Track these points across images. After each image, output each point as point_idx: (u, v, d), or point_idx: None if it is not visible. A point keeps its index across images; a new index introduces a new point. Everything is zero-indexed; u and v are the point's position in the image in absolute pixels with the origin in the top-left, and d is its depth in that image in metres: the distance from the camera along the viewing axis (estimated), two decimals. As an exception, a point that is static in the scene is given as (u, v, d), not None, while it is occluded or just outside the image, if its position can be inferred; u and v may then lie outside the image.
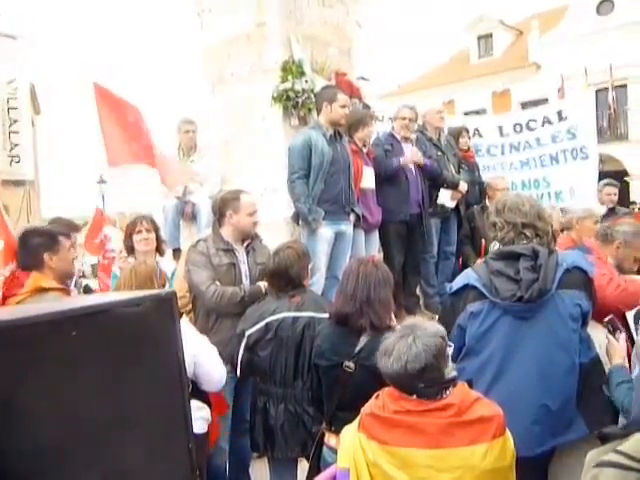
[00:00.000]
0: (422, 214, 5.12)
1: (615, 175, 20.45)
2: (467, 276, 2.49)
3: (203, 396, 2.81)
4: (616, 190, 6.37)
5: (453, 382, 2.00)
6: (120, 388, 1.53)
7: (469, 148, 6.19)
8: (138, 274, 2.87)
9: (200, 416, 2.74)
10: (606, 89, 21.39)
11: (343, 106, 4.45)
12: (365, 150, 4.86)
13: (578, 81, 18.79)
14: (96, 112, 4.25)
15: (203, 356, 2.75)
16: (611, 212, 6.24)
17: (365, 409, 2.04)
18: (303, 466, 3.08)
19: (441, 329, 2.05)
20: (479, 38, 27.16)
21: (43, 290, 2.78)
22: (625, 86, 21.87)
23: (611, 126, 22.14)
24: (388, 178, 5.00)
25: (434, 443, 1.86)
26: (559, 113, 6.87)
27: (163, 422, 1.65)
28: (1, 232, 3.23)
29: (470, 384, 2.19)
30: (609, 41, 20.89)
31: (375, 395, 2.08)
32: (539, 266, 2.27)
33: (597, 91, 21.45)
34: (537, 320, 2.31)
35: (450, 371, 1.98)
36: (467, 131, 6.18)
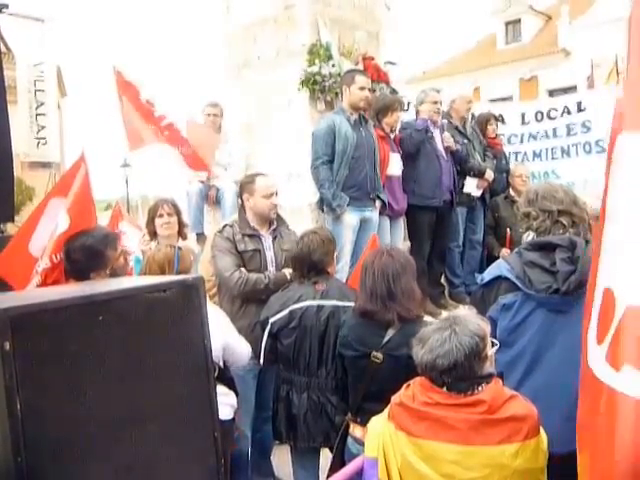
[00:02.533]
0: (453, 201, 5.03)
1: (644, 166, 20.08)
2: (499, 267, 2.41)
3: (230, 382, 2.80)
4: None
5: (487, 379, 1.93)
6: (146, 374, 1.52)
7: (497, 135, 6.05)
8: (155, 261, 2.85)
9: (227, 402, 2.73)
10: (638, 76, 20.84)
11: (362, 88, 4.35)
12: (392, 136, 4.76)
13: (609, 69, 18.34)
14: (120, 96, 4.23)
15: (231, 339, 2.77)
16: None
17: (395, 399, 2.00)
18: (326, 455, 3.06)
19: (482, 328, 1.96)
20: (507, 23, 26.64)
21: None
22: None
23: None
24: (417, 151, 4.84)
25: (463, 439, 1.80)
26: (579, 104, 6.77)
27: (189, 409, 1.64)
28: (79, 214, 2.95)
29: (501, 377, 2.13)
30: (642, 27, 20.28)
31: (406, 385, 2.03)
32: (576, 258, 2.18)
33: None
34: (572, 314, 2.22)
35: (486, 368, 1.92)
36: (496, 118, 6.04)
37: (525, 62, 24.00)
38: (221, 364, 2.78)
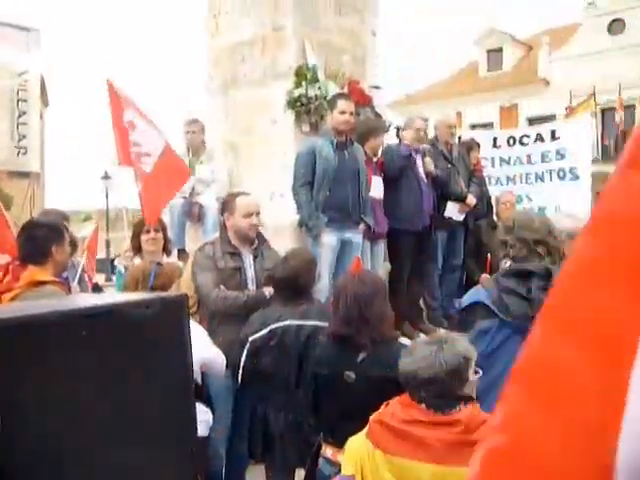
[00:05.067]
0: (432, 226, 5.11)
1: (620, 195, 20.51)
2: (477, 293, 2.47)
3: (206, 399, 2.80)
4: None
5: (464, 399, 1.97)
6: (126, 390, 1.51)
7: (478, 162, 6.18)
8: (131, 276, 2.86)
9: (203, 419, 2.72)
10: (613, 109, 21.45)
11: (342, 112, 4.45)
12: (375, 160, 4.84)
13: (585, 99, 18.82)
14: (108, 109, 4.22)
15: (210, 354, 2.79)
16: None
17: (374, 416, 2.02)
18: (301, 475, 3.05)
19: (469, 350, 2.01)
20: (489, 52, 27.23)
21: (39, 283, 2.75)
22: (633, 106, 21.90)
23: (617, 146, 22.18)
24: (399, 176, 4.93)
25: (438, 458, 1.83)
26: (552, 132, 7.01)
27: (168, 426, 1.64)
28: None
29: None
30: (619, 60, 20.94)
31: (385, 403, 2.05)
32: (552, 286, 2.24)
33: (604, 110, 21.57)
34: (547, 341, 2.28)
35: (466, 390, 1.96)
36: (478, 145, 6.18)
37: (506, 90, 24.53)
38: (199, 380, 2.78)
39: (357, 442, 2.05)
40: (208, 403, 2.84)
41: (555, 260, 2.38)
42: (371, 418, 2.02)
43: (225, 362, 2.98)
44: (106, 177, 23.03)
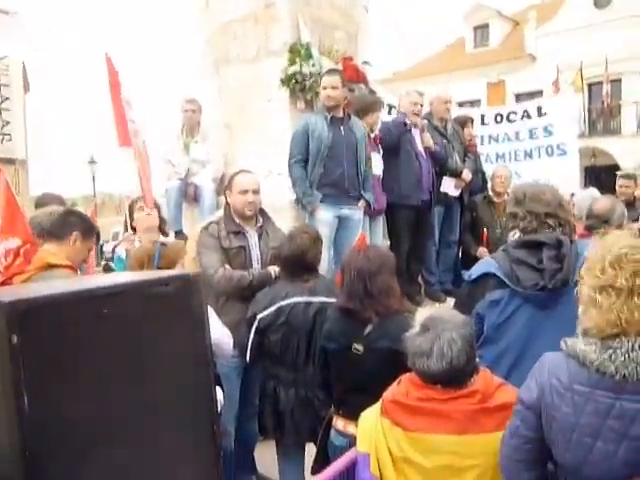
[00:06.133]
0: (431, 201, 5.11)
1: (606, 169, 20.64)
2: (487, 264, 2.47)
3: (216, 378, 2.80)
4: (629, 182, 6.04)
5: (476, 368, 2.00)
6: (148, 369, 1.51)
7: (472, 138, 6.18)
8: (134, 257, 2.83)
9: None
10: (600, 83, 21.46)
11: (324, 88, 4.46)
12: (373, 136, 4.82)
13: (573, 74, 18.80)
14: (105, 86, 4.13)
15: (218, 333, 2.79)
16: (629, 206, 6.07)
17: (387, 395, 2.03)
18: (310, 450, 3.08)
19: (464, 316, 2.06)
20: (475, 28, 27.02)
21: (51, 267, 2.72)
22: (620, 80, 21.91)
23: (604, 120, 22.24)
24: (397, 150, 4.91)
25: (461, 429, 1.85)
26: (539, 109, 7.06)
27: (190, 404, 1.64)
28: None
29: (488, 371, 2.19)
30: (605, 34, 20.89)
31: (397, 381, 2.07)
32: (563, 256, 2.26)
33: (591, 84, 21.57)
34: (557, 311, 2.30)
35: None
36: (472, 121, 6.17)
37: (493, 66, 24.41)
38: (208, 359, 2.78)
39: (370, 420, 2.07)
40: (217, 382, 2.84)
41: (566, 232, 2.39)
42: (384, 397, 2.04)
43: (233, 341, 2.98)
44: (92, 162, 22.75)
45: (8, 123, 16.89)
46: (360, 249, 2.70)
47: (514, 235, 2.50)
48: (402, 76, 25.70)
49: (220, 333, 2.84)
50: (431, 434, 1.88)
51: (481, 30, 26.82)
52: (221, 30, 5.49)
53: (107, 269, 3.29)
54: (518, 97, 22.59)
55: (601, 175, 21.72)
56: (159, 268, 2.70)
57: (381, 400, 2.07)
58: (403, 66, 27.72)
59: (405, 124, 4.95)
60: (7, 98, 16.63)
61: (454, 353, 1.90)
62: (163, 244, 2.85)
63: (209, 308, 2.97)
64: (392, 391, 2.03)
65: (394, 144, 4.89)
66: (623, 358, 1.55)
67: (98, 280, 1.82)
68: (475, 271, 2.51)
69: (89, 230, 2.85)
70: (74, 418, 1.31)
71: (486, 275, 2.44)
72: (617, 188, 6.25)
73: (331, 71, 4.71)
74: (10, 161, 16.58)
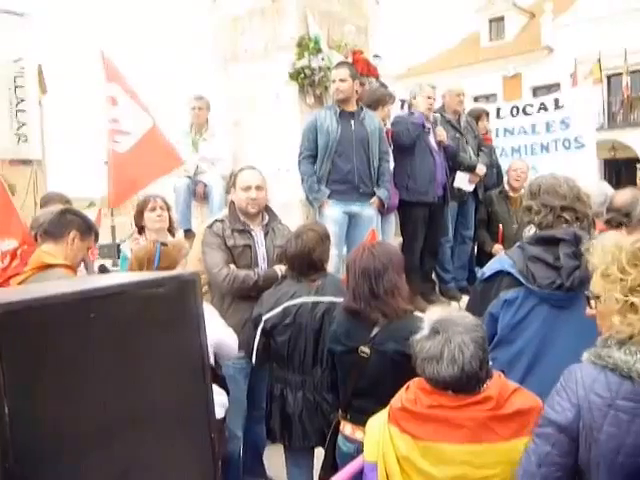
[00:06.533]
0: (445, 196, 4.99)
1: (626, 162, 20.26)
2: (501, 261, 2.35)
3: (221, 380, 2.72)
4: None
5: (489, 373, 1.89)
6: (141, 374, 1.44)
7: (487, 131, 6.04)
8: (135, 258, 2.76)
9: (218, 401, 2.65)
10: (620, 74, 21.03)
11: (333, 81, 4.38)
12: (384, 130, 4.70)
13: (592, 66, 18.43)
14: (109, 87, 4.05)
15: (222, 335, 2.72)
16: None
17: (395, 402, 1.93)
18: (318, 454, 2.99)
19: (476, 318, 1.95)
20: (490, 21, 26.65)
21: (48, 267, 2.67)
22: (639, 71, 21.45)
23: (624, 112, 21.81)
24: (413, 144, 4.78)
25: (472, 438, 1.75)
26: (556, 101, 6.92)
27: (185, 410, 1.57)
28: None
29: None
30: (624, 25, 20.43)
31: (405, 387, 1.96)
32: (581, 253, 2.13)
33: (610, 76, 21.16)
34: (575, 310, 2.17)
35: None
36: (487, 114, 6.03)
37: (509, 59, 24.06)
38: (212, 362, 2.70)
39: (378, 428, 1.97)
40: (222, 384, 2.76)
41: (584, 227, 2.26)
42: (392, 404, 1.94)
43: (237, 343, 2.90)
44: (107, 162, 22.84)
45: (24, 124, 17.02)
46: (365, 246, 2.58)
47: (529, 230, 2.38)
48: (416, 71, 25.45)
49: (223, 334, 2.76)
50: (442, 443, 1.78)
51: (496, 23, 26.44)
52: (229, 25, 5.41)
53: (103, 270, 3.22)
54: (535, 90, 22.27)
55: (621, 168, 21.37)
56: (159, 268, 2.62)
57: (389, 407, 1.97)
58: (417, 61, 27.46)
59: (424, 126, 4.83)
60: (22, 100, 16.77)
61: (466, 358, 1.79)
62: (164, 244, 2.76)
63: (212, 308, 2.92)
64: (400, 398, 1.93)
65: (410, 144, 4.77)
66: None
67: (89, 282, 1.75)
68: (488, 269, 2.40)
69: (87, 229, 2.79)
70: (58, 423, 1.25)
71: (500, 273, 2.32)
72: (638, 181, 6.10)
73: (340, 64, 4.61)
74: (26, 162, 16.71)
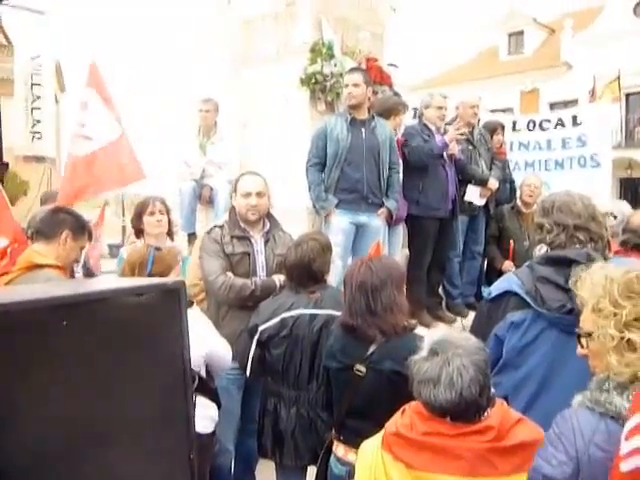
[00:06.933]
0: (455, 210, 4.86)
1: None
2: (509, 281, 2.23)
3: (212, 393, 2.62)
4: None
5: (491, 401, 1.76)
6: (116, 387, 1.35)
7: (502, 145, 5.91)
8: (128, 262, 2.67)
9: (207, 415, 2.55)
10: (638, 93, 20.82)
11: (346, 86, 4.26)
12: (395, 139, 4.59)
13: (610, 83, 18.23)
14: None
15: (215, 346, 2.61)
16: None
17: (389, 427, 1.81)
18: (312, 472, 2.87)
19: (479, 341, 1.83)
20: (510, 35, 26.56)
21: (37, 267, 2.59)
22: (657, 90, 21.23)
23: (641, 131, 21.61)
24: (426, 166, 4.66)
25: (470, 471, 1.62)
26: (574, 118, 6.79)
27: (163, 427, 1.47)
28: None
29: (506, 400, 1.95)
30: (644, 43, 20.26)
31: (401, 411, 1.84)
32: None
33: (629, 94, 20.93)
34: (586, 335, 2.05)
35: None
36: (503, 128, 5.90)
37: (527, 74, 23.93)
38: (203, 373, 2.60)
39: (371, 452, 1.85)
40: (214, 397, 2.65)
41: (598, 248, 2.13)
42: (386, 429, 1.82)
43: (231, 354, 2.79)
44: (121, 162, 22.91)
45: (39, 122, 17.14)
46: (363, 261, 2.46)
47: (540, 249, 2.25)
48: (433, 82, 25.35)
49: (215, 345, 2.66)
50: (437, 474, 1.65)
51: (515, 37, 26.34)
52: (242, 29, 5.35)
53: (88, 274, 3.13)
54: (552, 106, 22.05)
55: (637, 187, 21.09)
56: (152, 274, 2.52)
57: (383, 431, 1.85)
58: (434, 72, 27.38)
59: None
60: (39, 97, 16.91)
61: (464, 382, 1.67)
62: (158, 249, 2.66)
63: (205, 318, 2.81)
64: (395, 422, 1.81)
65: (425, 164, 4.65)
66: None
67: (67, 287, 1.66)
68: (495, 289, 2.27)
69: (80, 228, 2.72)
70: (23, 440, 1.16)
71: (507, 293, 2.20)
72: None
73: (354, 69, 4.52)
74: (39, 159, 16.81)
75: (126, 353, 1.38)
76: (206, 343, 2.58)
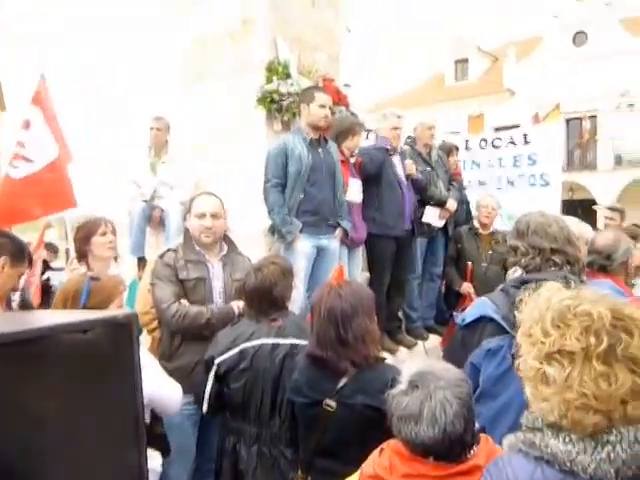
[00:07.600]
0: (414, 231, 4.78)
1: (583, 204, 20.76)
2: (483, 306, 2.13)
3: (157, 439, 2.36)
4: (613, 214, 5.75)
5: (477, 438, 1.63)
6: (56, 438, 1.14)
7: (457, 166, 5.93)
8: (61, 292, 2.43)
9: (150, 467, 2.29)
10: (578, 119, 21.75)
11: (322, 106, 4.04)
12: (353, 160, 4.50)
13: (551, 109, 18.96)
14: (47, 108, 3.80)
15: (160, 388, 2.33)
16: None
17: (366, 468, 1.66)
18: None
19: (460, 371, 1.71)
20: (456, 62, 27.40)
21: None
22: (596, 116, 22.24)
23: (581, 155, 22.52)
24: (378, 178, 4.56)
25: (456, 518, 1.48)
26: (525, 136, 6.93)
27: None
28: None
29: (483, 432, 1.83)
30: (583, 71, 21.27)
31: (378, 450, 1.69)
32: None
33: (569, 120, 21.83)
34: (566, 362, 1.96)
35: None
36: (457, 149, 5.93)
37: (473, 100, 24.64)
38: (147, 418, 2.34)
39: None
40: (159, 444, 2.38)
41: (575, 271, 2.06)
42: (363, 471, 1.66)
43: (180, 392, 2.51)
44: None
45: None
46: (331, 286, 2.31)
47: (514, 272, 2.16)
48: (384, 106, 25.75)
49: (158, 386, 2.33)
50: (420, 523, 1.51)
51: (461, 64, 27.16)
52: (196, 47, 5.18)
53: (24, 306, 2.85)
54: (497, 130, 22.71)
55: (578, 209, 21.88)
56: (87, 307, 2.26)
57: (359, 473, 1.69)
58: (384, 96, 27.86)
59: (387, 150, 4.65)
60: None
61: (448, 417, 1.54)
62: (95, 278, 2.40)
63: (148, 354, 2.55)
64: (372, 463, 1.66)
65: (377, 171, 4.55)
66: (625, 455, 1.11)
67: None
68: (469, 315, 2.17)
69: (19, 253, 2.46)
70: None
71: (482, 319, 2.10)
72: (603, 221, 6.04)
73: (323, 89, 4.41)
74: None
75: (68, 402, 1.19)
76: (146, 384, 2.31)
